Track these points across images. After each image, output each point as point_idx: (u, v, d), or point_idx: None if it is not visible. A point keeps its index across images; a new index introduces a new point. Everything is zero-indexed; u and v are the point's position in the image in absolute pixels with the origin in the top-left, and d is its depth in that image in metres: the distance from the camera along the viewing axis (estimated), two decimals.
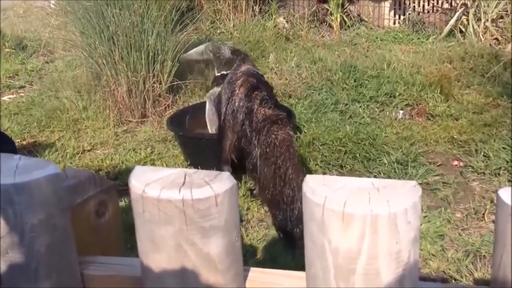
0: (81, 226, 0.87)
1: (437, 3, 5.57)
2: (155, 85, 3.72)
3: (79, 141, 3.43)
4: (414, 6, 5.60)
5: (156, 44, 3.66)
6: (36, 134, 3.57)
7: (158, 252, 0.73)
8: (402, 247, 0.66)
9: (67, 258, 0.80)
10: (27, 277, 0.76)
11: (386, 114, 3.63)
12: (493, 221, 2.45)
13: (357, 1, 5.71)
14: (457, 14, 5.00)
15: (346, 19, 5.47)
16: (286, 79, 4.17)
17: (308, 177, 0.71)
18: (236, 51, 2.99)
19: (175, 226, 0.70)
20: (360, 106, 3.71)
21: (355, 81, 4.02)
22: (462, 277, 2.13)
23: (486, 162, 2.97)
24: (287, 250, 2.27)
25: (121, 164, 3.13)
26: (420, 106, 3.69)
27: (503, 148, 3.06)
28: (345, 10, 5.50)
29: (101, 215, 0.92)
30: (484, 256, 2.23)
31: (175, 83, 3.82)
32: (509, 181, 2.79)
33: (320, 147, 3.16)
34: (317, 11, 5.62)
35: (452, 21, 5.00)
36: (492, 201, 2.59)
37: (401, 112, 3.66)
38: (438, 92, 3.79)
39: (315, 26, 5.54)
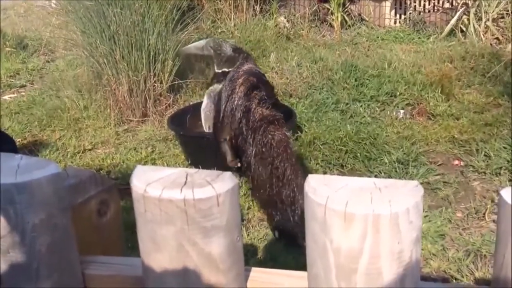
0: (82, 225, 0.86)
1: (438, 2, 5.56)
2: (156, 84, 3.72)
3: (80, 140, 3.43)
4: (415, 6, 5.59)
5: (157, 43, 3.66)
6: (37, 133, 3.57)
7: (159, 252, 0.73)
8: (404, 247, 0.66)
9: (68, 257, 0.80)
10: (28, 277, 0.76)
11: (387, 114, 3.63)
12: (493, 221, 2.45)
13: (358, 0, 5.70)
14: (458, 13, 4.99)
15: (347, 18, 5.46)
16: (287, 78, 4.16)
17: (310, 177, 0.70)
18: (238, 49, 2.98)
19: (176, 226, 0.70)
20: (361, 106, 3.70)
21: (356, 80, 4.02)
22: (463, 276, 2.13)
23: (487, 161, 2.96)
24: (288, 249, 2.27)
25: (122, 163, 3.13)
26: (421, 105, 3.69)
27: (504, 147, 3.06)
28: (346, 10, 5.49)
29: (102, 214, 0.92)
30: (485, 255, 2.23)
31: (176, 82, 3.82)
32: (509, 180, 2.78)
33: (321, 146, 3.16)
34: (318, 10, 5.62)
35: (453, 21, 4.99)
36: (493, 201, 2.58)
37: (402, 111, 3.65)
38: (439, 91, 3.79)
39: (316, 26, 5.54)
